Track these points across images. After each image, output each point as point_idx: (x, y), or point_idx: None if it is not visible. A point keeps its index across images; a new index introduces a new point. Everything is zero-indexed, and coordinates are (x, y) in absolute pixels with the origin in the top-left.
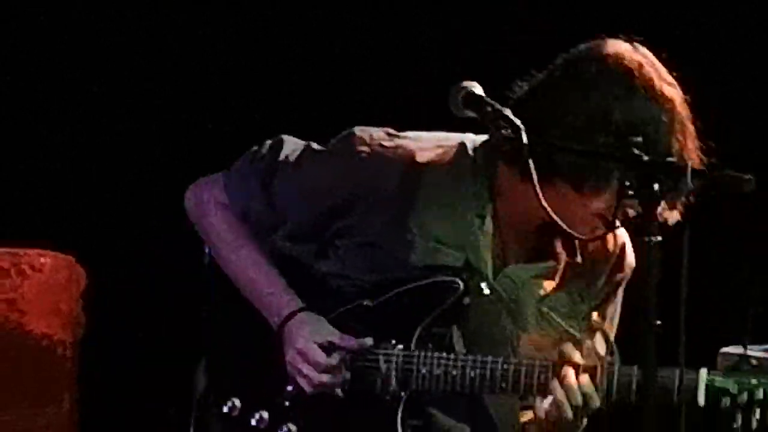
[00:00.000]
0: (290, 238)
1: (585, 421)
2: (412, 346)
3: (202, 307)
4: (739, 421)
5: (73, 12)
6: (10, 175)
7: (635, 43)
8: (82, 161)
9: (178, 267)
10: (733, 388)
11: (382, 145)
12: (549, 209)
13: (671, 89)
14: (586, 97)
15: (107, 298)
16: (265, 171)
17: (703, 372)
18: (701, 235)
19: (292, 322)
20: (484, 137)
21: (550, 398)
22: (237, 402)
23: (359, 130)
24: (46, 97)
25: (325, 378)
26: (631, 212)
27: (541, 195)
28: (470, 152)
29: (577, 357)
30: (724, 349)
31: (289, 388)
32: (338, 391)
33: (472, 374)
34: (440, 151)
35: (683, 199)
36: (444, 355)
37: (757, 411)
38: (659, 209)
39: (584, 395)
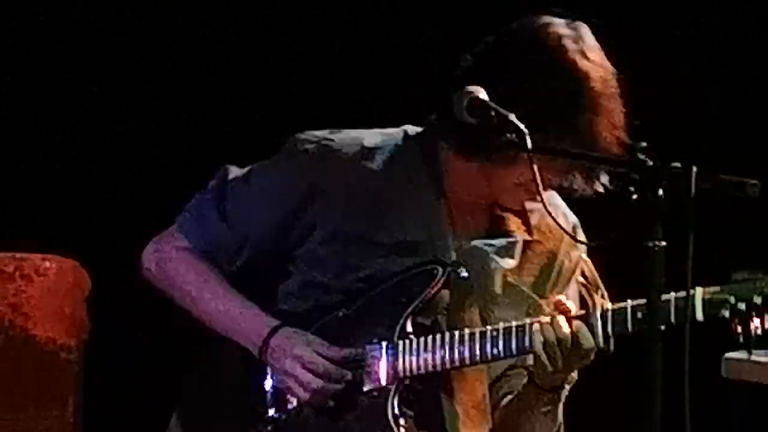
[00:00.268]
0: (252, 263)
1: (584, 362)
2: (395, 338)
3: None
4: (739, 330)
5: (73, 12)
6: (15, 178)
7: (571, 20)
8: (87, 165)
9: None
10: (730, 298)
11: (326, 138)
12: (545, 200)
13: (592, 65)
14: (506, 68)
15: (112, 302)
16: (216, 198)
17: (699, 288)
18: (705, 240)
19: (277, 336)
20: (420, 128)
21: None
22: None
23: (300, 133)
24: (51, 102)
25: (321, 383)
26: (556, 182)
27: (541, 190)
28: (414, 135)
29: (571, 306)
30: (729, 354)
31: (271, 412)
32: (330, 401)
33: (461, 348)
34: (385, 137)
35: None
36: (430, 337)
37: (756, 319)
38: (575, 183)
39: (575, 334)
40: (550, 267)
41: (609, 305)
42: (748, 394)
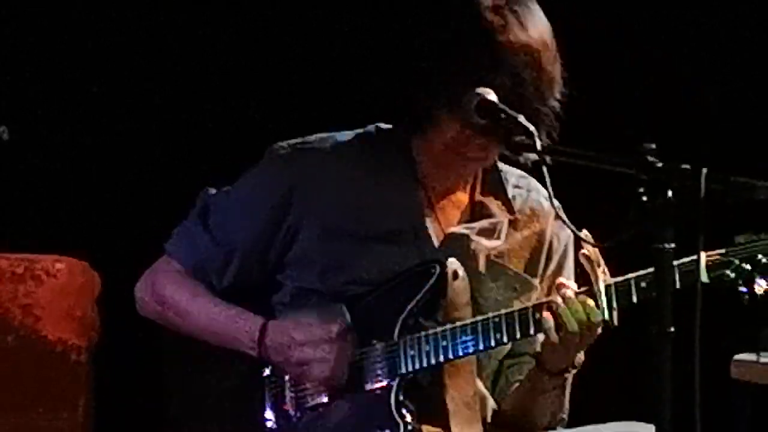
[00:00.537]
0: (243, 280)
1: (592, 339)
2: (395, 337)
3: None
4: (745, 289)
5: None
6: (25, 180)
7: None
8: (97, 167)
9: None
10: (734, 260)
11: (300, 142)
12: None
13: (522, 34)
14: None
15: (122, 303)
16: (201, 214)
17: (702, 253)
18: (715, 241)
19: (269, 333)
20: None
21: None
22: None
23: (274, 144)
24: (63, 103)
25: (336, 351)
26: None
27: (550, 190)
28: (386, 130)
29: (572, 285)
30: (738, 356)
31: (269, 423)
32: (342, 378)
33: (464, 337)
34: (358, 134)
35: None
36: (430, 332)
37: (761, 279)
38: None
39: (582, 308)
40: (539, 248)
41: (611, 279)
42: (756, 395)
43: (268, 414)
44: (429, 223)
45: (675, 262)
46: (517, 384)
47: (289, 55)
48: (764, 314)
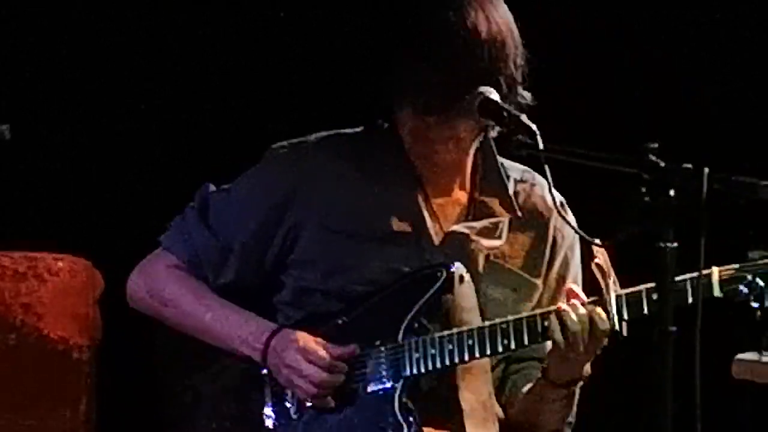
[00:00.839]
0: (243, 279)
1: (599, 349)
2: (400, 339)
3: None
4: (757, 305)
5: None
6: (27, 178)
7: None
8: (99, 165)
9: None
10: (747, 275)
11: (300, 141)
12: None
13: (485, 24)
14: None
15: (124, 301)
16: (200, 210)
17: (715, 267)
18: (716, 241)
19: (278, 337)
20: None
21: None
22: None
23: (274, 144)
24: (66, 103)
25: (325, 375)
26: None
27: (550, 182)
28: (382, 130)
29: (581, 294)
30: (740, 356)
31: (269, 423)
32: (329, 400)
33: (470, 342)
34: (356, 131)
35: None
36: (436, 335)
37: None
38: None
39: (591, 317)
40: (543, 245)
41: (621, 290)
42: (758, 395)
43: (268, 412)
44: (429, 221)
45: (686, 276)
46: (523, 390)
47: (286, 55)
48: (765, 318)
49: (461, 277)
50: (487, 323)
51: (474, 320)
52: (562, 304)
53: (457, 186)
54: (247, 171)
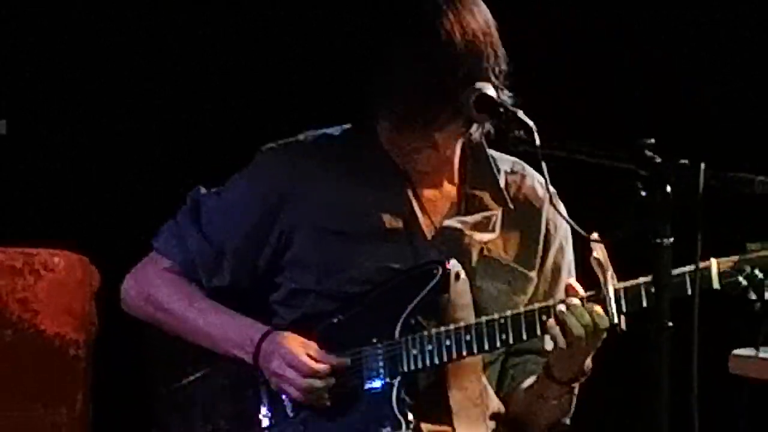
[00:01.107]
0: (237, 281)
1: (599, 343)
2: (396, 336)
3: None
4: (755, 297)
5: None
6: (24, 174)
7: None
8: (96, 161)
9: None
10: (746, 267)
11: (289, 142)
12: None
13: (460, 32)
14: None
15: (121, 298)
16: (192, 213)
17: (714, 259)
18: (712, 236)
19: (267, 341)
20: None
21: (557, 329)
22: None
23: (264, 146)
24: (61, 97)
25: (310, 382)
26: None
27: (547, 178)
28: (365, 128)
29: (580, 290)
30: (737, 352)
31: (265, 422)
32: (326, 397)
33: (468, 337)
34: (344, 129)
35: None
36: (433, 331)
37: None
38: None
39: (591, 314)
40: (536, 236)
41: (619, 284)
42: (755, 391)
43: (264, 411)
44: (420, 217)
45: (685, 269)
46: (524, 386)
47: (280, 56)
48: (764, 310)
49: (457, 275)
50: (484, 319)
51: (469, 317)
52: (561, 305)
53: (446, 180)
54: (238, 173)
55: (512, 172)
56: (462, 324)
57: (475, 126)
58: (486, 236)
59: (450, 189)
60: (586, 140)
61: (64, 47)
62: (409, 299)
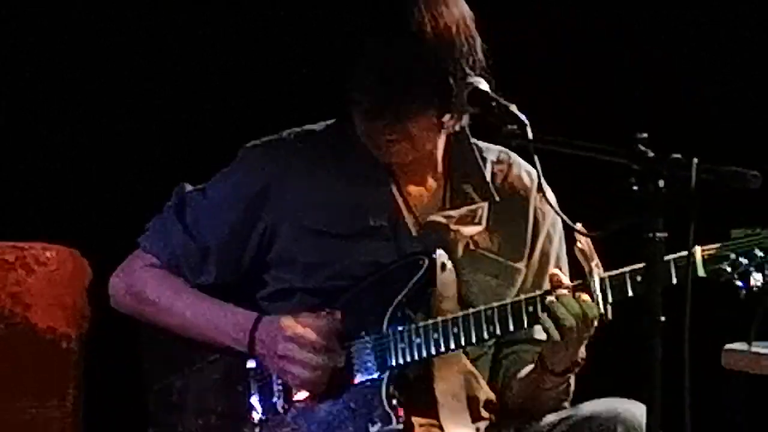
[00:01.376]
0: (223, 276)
1: (591, 332)
2: (384, 329)
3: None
4: (741, 283)
5: (73, 12)
6: (15, 168)
7: None
8: (87, 155)
9: None
10: (730, 254)
11: (272, 140)
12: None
13: (432, 24)
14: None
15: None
16: (177, 210)
17: (698, 247)
18: (706, 231)
19: (263, 325)
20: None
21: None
22: None
23: (248, 144)
24: (53, 94)
25: (322, 358)
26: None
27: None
28: (347, 123)
29: (565, 280)
30: (729, 346)
31: (257, 416)
32: (325, 381)
33: (455, 330)
34: (327, 125)
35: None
36: (421, 324)
37: (757, 273)
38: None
39: (580, 304)
40: (523, 226)
41: (605, 273)
42: (747, 385)
43: (255, 406)
44: (405, 213)
45: (671, 257)
46: (519, 376)
47: (263, 53)
48: (757, 304)
49: (443, 265)
50: (471, 310)
51: (456, 309)
52: (551, 297)
53: (429, 174)
54: (222, 170)
55: (498, 161)
56: (450, 316)
57: (447, 116)
58: (472, 229)
59: (434, 183)
60: (583, 138)
61: (55, 43)
62: (397, 291)
